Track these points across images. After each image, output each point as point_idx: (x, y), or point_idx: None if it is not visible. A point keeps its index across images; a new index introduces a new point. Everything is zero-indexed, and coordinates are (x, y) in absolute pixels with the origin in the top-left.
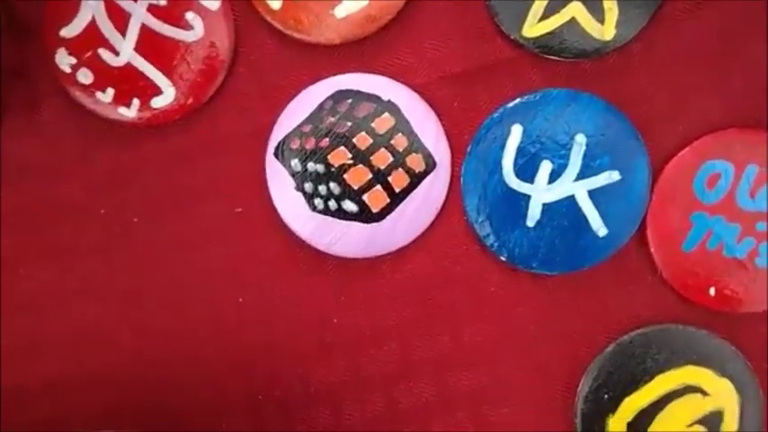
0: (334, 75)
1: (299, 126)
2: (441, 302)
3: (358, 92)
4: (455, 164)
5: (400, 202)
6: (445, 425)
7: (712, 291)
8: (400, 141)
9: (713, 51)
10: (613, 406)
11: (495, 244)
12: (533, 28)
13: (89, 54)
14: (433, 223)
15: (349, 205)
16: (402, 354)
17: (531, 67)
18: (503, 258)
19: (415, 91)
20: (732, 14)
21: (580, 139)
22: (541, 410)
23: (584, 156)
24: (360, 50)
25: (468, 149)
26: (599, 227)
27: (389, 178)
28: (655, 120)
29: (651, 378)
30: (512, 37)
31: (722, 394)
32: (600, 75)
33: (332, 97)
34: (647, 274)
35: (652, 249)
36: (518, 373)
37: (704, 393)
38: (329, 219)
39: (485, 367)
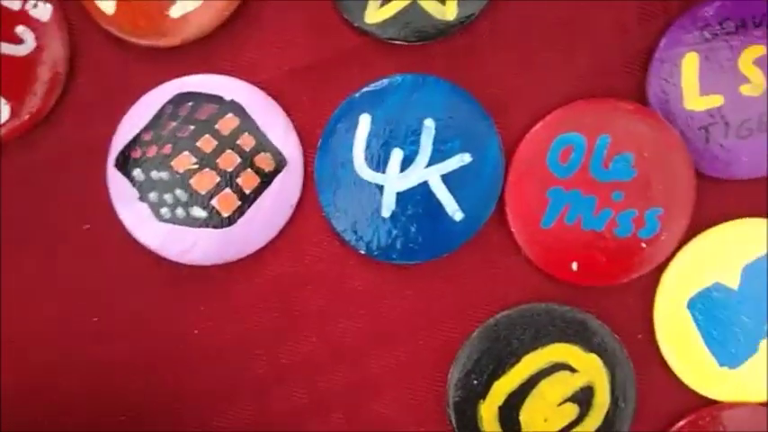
0: (177, 78)
1: (140, 134)
2: (305, 303)
3: (199, 94)
4: (308, 160)
5: (251, 203)
6: (319, 426)
7: (574, 265)
8: (247, 141)
9: (560, 24)
10: (483, 391)
11: (353, 238)
12: (375, 14)
13: None
14: (289, 222)
15: (198, 212)
16: (270, 359)
17: (378, 54)
18: (362, 252)
19: (261, 88)
20: None
21: (429, 123)
22: (416, 403)
23: (435, 140)
24: (203, 51)
25: (319, 144)
26: (455, 211)
27: (238, 180)
28: (507, 98)
29: (518, 359)
30: (355, 25)
31: (590, 369)
32: (448, 57)
33: (172, 101)
34: (510, 255)
35: (512, 229)
36: (390, 368)
37: (572, 370)
38: (178, 227)
39: (356, 365)
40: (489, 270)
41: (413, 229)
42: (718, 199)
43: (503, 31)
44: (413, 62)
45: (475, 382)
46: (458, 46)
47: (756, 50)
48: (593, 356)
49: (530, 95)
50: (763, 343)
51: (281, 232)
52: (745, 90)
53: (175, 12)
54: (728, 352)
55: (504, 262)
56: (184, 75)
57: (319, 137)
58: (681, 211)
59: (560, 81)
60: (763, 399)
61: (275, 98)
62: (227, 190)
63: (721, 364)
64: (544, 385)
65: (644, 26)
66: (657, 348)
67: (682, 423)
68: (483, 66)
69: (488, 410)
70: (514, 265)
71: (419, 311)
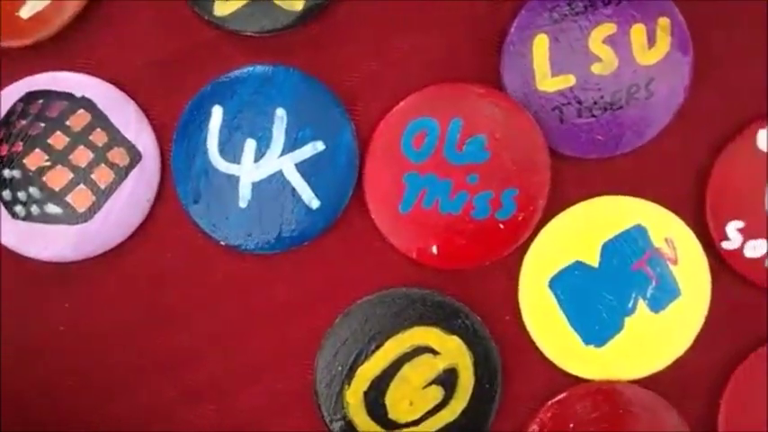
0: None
1: None
2: (170, 296)
3: (49, 92)
4: (165, 153)
5: (107, 198)
6: (190, 418)
7: (434, 249)
8: (99, 137)
9: (412, 9)
10: (348, 377)
11: (212, 229)
12: (224, 6)
13: None
14: (148, 217)
15: (52, 208)
16: (138, 353)
17: (231, 46)
18: (222, 243)
19: (115, 83)
20: None
21: (280, 113)
22: (285, 392)
23: (287, 130)
24: (56, 49)
25: (174, 137)
26: (311, 199)
27: (93, 176)
28: (361, 85)
29: (381, 344)
30: (206, 18)
31: (453, 351)
32: (300, 46)
33: (22, 100)
34: (372, 240)
35: (372, 215)
36: (258, 358)
37: (435, 353)
38: (34, 225)
39: (224, 356)
40: (352, 256)
41: (270, 219)
42: (576, 178)
43: (355, 18)
44: (265, 53)
45: (339, 368)
46: (310, 35)
47: (606, 29)
48: (455, 338)
49: (385, 82)
50: (627, 320)
51: (142, 227)
52: (596, 69)
53: (25, 12)
54: (593, 330)
55: (366, 248)
56: (37, 74)
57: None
58: (536, 191)
59: (415, 67)
60: (631, 376)
61: (129, 93)
62: (82, 186)
63: (587, 343)
64: (407, 369)
65: (496, 10)
66: (525, 329)
67: (551, 402)
68: (336, 54)
69: (354, 396)
70: (377, 251)
71: (284, 300)
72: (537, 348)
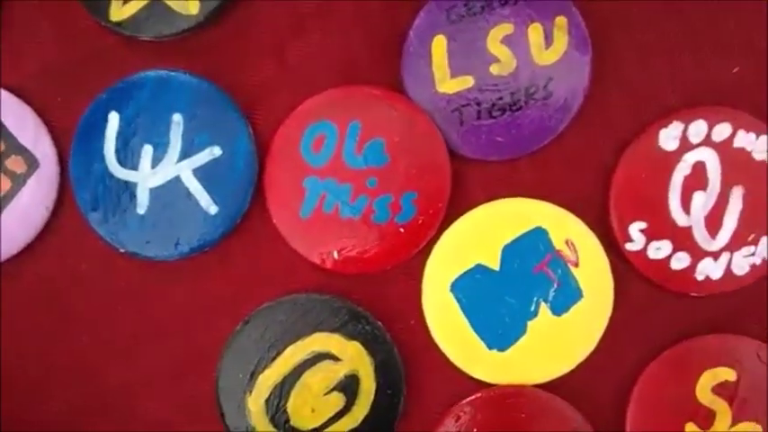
0: None
1: None
2: (72, 303)
3: None
4: (64, 160)
5: (5, 206)
6: (95, 426)
7: (336, 254)
8: None
9: (313, 14)
10: (249, 385)
11: (111, 237)
12: (119, 12)
13: None
14: (48, 223)
15: None
16: (42, 360)
17: (129, 51)
18: (122, 251)
19: (12, 91)
20: None
21: (177, 118)
22: (189, 400)
23: (183, 135)
24: None
25: (72, 144)
26: (209, 205)
27: None
28: (263, 90)
29: (281, 351)
30: (103, 24)
31: (354, 357)
32: (199, 51)
33: None
34: (275, 246)
35: (274, 220)
36: (161, 366)
37: (336, 359)
38: None
39: (128, 364)
40: (254, 262)
41: (169, 225)
42: (478, 180)
43: (253, 22)
44: (163, 58)
45: (240, 375)
46: (208, 40)
47: (504, 29)
48: (356, 344)
49: (285, 86)
50: (530, 323)
51: (43, 233)
52: (494, 69)
53: None
54: (496, 334)
55: (268, 254)
56: None
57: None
58: (436, 194)
59: (316, 71)
60: (536, 380)
61: (26, 100)
62: None
63: (490, 347)
64: (308, 376)
65: (395, 13)
66: (430, 333)
67: (455, 407)
68: (235, 58)
69: (255, 404)
70: (280, 256)
71: (187, 307)
72: (441, 353)
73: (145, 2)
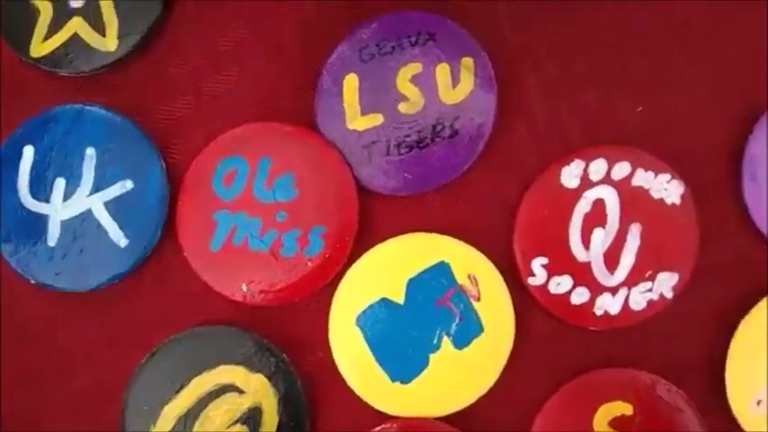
0: None
1: None
2: None
3: None
4: None
5: None
6: None
7: (244, 287)
8: None
9: (231, 49)
10: (154, 417)
11: (22, 268)
12: (40, 47)
13: None
14: None
15: None
16: None
17: (48, 86)
18: (32, 282)
19: None
20: None
21: (90, 152)
22: (96, 430)
23: (96, 169)
24: None
25: None
26: (119, 238)
27: None
28: (179, 124)
29: (186, 383)
30: (23, 58)
31: (258, 390)
32: (117, 85)
33: None
34: (186, 278)
35: (185, 253)
36: (68, 397)
37: (240, 391)
38: None
39: (34, 394)
40: (165, 295)
41: (80, 257)
42: (386, 215)
43: (171, 58)
44: (83, 93)
45: (146, 407)
46: (126, 75)
47: (413, 68)
48: (260, 377)
49: (202, 121)
50: (432, 356)
51: None
52: (403, 108)
53: None
54: (399, 367)
55: (180, 286)
56: None
57: None
58: (344, 228)
59: (232, 107)
60: (438, 413)
61: None
62: None
63: (393, 380)
64: (212, 408)
65: (311, 51)
66: (336, 366)
67: None
68: (152, 93)
69: None
70: (190, 289)
71: (96, 339)
72: (347, 385)
73: (65, 38)
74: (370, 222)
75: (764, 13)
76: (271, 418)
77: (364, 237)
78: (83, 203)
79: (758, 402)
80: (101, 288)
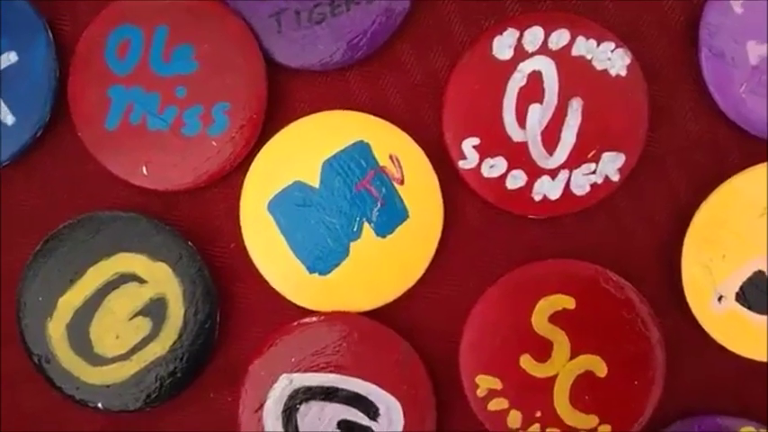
0: None
1: None
2: None
3: None
4: None
5: None
6: None
7: (144, 169)
8: None
9: None
10: (50, 309)
11: None
12: None
13: None
14: None
15: None
16: None
17: None
18: None
19: None
20: None
21: None
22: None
23: None
24: None
25: None
26: (6, 114)
27: None
28: None
29: (83, 272)
30: None
31: (161, 280)
32: None
33: None
34: (81, 161)
35: (79, 133)
36: None
37: (141, 281)
38: None
39: None
40: (60, 178)
41: None
42: (298, 91)
43: None
44: None
45: (41, 299)
46: None
47: None
48: (163, 265)
49: None
50: (352, 245)
51: None
52: None
53: None
54: (317, 257)
55: (75, 169)
56: None
57: None
58: (250, 105)
59: None
60: (360, 307)
61: None
62: None
63: (311, 271)
64: (112, 299)
65: None
66: (249, 256)
67: (275, 335)
68: None
69: (56, 329)
70: (87, 171)
71: None
72: (262, 277)
73: None
74: (281, 100)
75: None
76: (176, 310)
77: (276, 116)
78: None
79: (720, 298)
80: None
